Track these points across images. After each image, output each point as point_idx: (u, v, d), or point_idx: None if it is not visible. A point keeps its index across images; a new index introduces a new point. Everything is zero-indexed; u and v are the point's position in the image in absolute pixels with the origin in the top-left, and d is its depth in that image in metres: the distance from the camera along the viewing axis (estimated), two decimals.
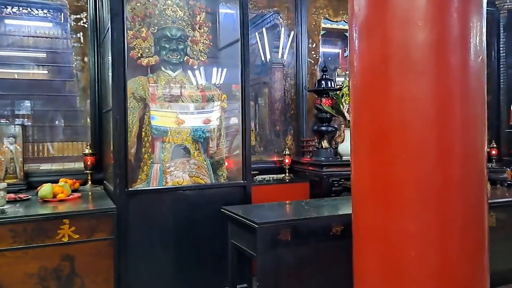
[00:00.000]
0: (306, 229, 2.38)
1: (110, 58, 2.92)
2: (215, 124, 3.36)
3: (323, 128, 4.13)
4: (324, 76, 4.15)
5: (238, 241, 2.60)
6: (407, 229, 1.08)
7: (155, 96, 3.19)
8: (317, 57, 4.47)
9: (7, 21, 3.51)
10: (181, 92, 3.26)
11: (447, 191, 1.06)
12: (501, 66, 5.20)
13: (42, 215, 2.49)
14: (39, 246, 2.42)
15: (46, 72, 3.76)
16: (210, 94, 3.35)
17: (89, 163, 3.36)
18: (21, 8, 3.64)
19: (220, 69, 3.48)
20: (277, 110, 4.45)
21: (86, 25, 3.59)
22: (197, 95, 3.31)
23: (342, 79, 4.70)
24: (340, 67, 5.13)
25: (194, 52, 3.35)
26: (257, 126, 4.37)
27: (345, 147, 4.00)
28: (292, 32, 4.36)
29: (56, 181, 3.07)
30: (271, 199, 3.11)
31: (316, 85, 4.17)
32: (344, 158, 3.99)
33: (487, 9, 1.26)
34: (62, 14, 3.75)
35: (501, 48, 5.19)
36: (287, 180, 4.07)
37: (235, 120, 3.45)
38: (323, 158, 3.98)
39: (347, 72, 4.92)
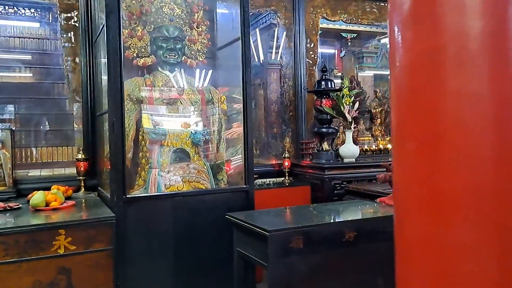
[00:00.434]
0: (318, 236, 2.26)
1: (105, 57, 2.75)
2: (215, 126, 3.22)
3: (323, 129, 4.03)
4: (324, 76, 4.05)
5: (245, 249, 2.47)
6: (463, 241, 0.97)
7: (152, 98, 3.04)
8: (315, 58, 4.37)
9: None
10: (179, 94, 3.11)
11: (509, 200, 0.95)
12: None
13: (35, 225, 2.31)
14: (33, 259, 2.24)
15: (34, 74, 3.60)
16: (209, 96, 3.21)
17: (82, 169, 3.20)
18: (7, 7, 3.48)
19: (219, 70, 3.34)
20: (274, 112, 4.35)
21: (77, 24, 3.43)
22: (196, 96, 3.17)
23: (340, 80, 4.61)
24: (336, 68, 5.05)
25: (192, 52, 3.21)
26: None
27: (346, 149, 3.90)
28: (290, 32, 4.25)
29: (47, 188, 2.89)
30: (272, 204, 2.98)
31: (316, 86, 4.07)
32: (345, 160, 3.89)
33: None
34: (51, 13, 3.60)
35: None
36: (287, 184, 3.95)
37: (236, 122, 3.30)
38: (324, 161, 3.88)
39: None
